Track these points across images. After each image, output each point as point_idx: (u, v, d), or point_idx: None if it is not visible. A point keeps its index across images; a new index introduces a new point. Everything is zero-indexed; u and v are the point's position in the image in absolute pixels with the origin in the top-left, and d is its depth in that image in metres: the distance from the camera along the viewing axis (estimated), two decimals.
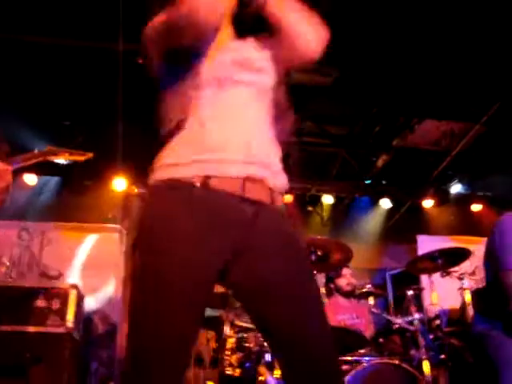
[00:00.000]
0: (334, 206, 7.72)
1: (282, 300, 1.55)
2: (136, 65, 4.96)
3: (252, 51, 1.72)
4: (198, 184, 1.52)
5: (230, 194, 1.53)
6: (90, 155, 3.47)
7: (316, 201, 7.71)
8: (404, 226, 7.92)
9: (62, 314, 4.57)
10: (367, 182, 7.31)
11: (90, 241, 7.09)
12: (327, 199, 7.53)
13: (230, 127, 1.60)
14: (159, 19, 1.63)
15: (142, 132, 6.09)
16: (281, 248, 1.59)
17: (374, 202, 7.89)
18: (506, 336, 2.76)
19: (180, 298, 1.48)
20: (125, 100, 5.42)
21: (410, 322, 4.09)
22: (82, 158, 3.43)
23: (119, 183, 6.88)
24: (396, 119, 5.94)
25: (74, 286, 4.83)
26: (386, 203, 7.80)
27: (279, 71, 1.76)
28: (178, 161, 1.57)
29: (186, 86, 1.63)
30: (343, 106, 5.81)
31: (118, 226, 7.19)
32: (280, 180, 1.67)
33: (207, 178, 1.53)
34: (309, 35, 1.72)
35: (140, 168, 6.78)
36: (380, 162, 6.88)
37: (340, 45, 4.31)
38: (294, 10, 1.71)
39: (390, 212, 7.99)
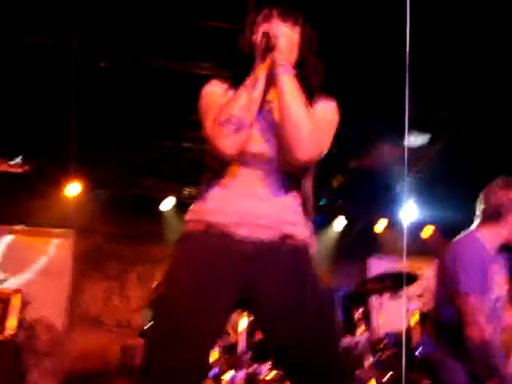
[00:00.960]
0: None
1: (279, 329, 1.76)
2: (90, 67, 4.88)
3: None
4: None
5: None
6: (27, 168, 3.44)
7: None
8: (356, 246, 8.00)
9: (2, 320, 4.43)
10: (322, 202, 7.37)
11: (37, 245, 6.93)
12: None
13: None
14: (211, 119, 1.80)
15: (96, 137, 6.03)
16: (279, 283, 1.78)
17: (328, 222, 7.96)
18: (453, 360, 2.79)
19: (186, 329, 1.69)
20: (78, 103, 5.33)
21: (357, 343, 4.12)
22: (20, 170, 3.38)
23: (73, 188, 6.73)
24: (353, 141, 6.01)
25: (18, 291, 4.71)
26: (339, 223, 7.87)
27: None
28: None
29: None
30: None
31: (68, 231, 7.06)
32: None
33: None
34: (297, 141, 1.75)
35: (94, 173, 6.69)
36: (335, 183, 6.94)
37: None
38: (299, 103, 1.77)
39: (343, 232, 8.06)
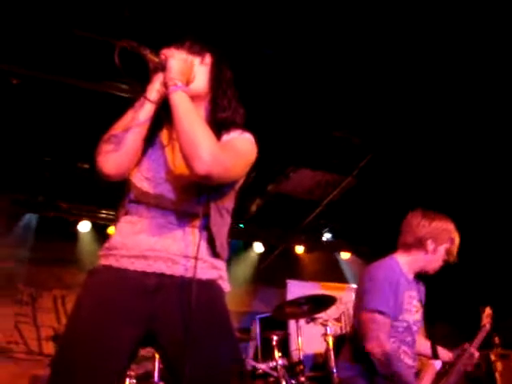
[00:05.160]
0: None
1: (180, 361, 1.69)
2: (2, 84, 4.72)
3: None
4: None
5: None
6: None
7: None
8: (275, 270, 8.04)
9: None
10: (241, 225, 7.39)
11: None
12: None
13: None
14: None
15: (9, 157, 5.82)
16: (182, 316, 1.74)
17: (247, 246, 7.98)
18: (368, 382, 2.83)
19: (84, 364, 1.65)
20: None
21: (274, 367, 4.11)
22: None
23: None
24: (272, 166, 6.09)
25: None
26: (258, 247, 7.91)
27: None
28: None
29: None
30: None
31: None
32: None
33: None
34: (191, 154, 1.72)
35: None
36: (254, 207, 6.97)
37: None
38: (191, 119, 1.76)
39: (262, 256, 8.10)
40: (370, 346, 2.74)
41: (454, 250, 3.09)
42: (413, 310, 2.99)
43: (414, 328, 2.98)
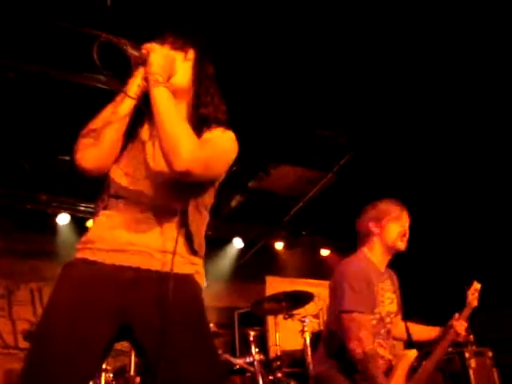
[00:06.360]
0: None
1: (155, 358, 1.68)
2: None
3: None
4: None
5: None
6: None
7: None
8: (254, 265, 8.05)
9: None
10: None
11: None
12: None
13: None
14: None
15: None
16: (157, 311, 1.74)
17: (227, 241, 7.98)
18: (343, 376, 2.87)
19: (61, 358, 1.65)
20: None
21: (251, 363, 4.12)
22: None
23: None
24: (253, 161, 6.09)
25: None
26: (237, 242, 7.91)
27: None
28: None
29: None
30: None
31: None
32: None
33: None
34: (170, 151, 1.70)
35: None
36: (234, 202, 6.97)
37: None
38: (172, 118, 1.74)
39: (242, 251, 8.10)
40: (352, 346, 2.78)
41: (403, 224, 3.13)
42: (386, 301, 3.03)
43: (387, 319, 3.01)
